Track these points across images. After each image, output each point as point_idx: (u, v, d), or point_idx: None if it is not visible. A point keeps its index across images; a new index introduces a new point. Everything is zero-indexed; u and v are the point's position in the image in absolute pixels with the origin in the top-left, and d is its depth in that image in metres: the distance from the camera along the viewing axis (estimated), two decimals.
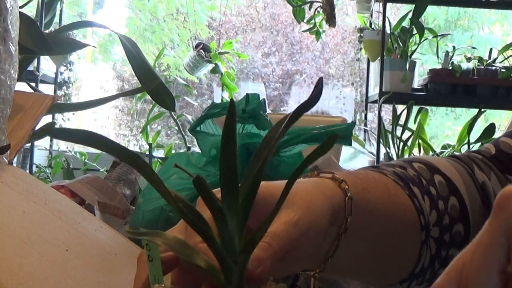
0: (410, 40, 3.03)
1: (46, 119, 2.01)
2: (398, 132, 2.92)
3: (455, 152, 0.65)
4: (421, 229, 0.57)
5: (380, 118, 3.02)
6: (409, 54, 3.00)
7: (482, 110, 2.92)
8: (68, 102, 3.20)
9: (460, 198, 0.60)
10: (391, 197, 0.56)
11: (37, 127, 0.89)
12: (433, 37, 3.14)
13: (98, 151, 3.52)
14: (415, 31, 2.99)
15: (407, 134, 2.92)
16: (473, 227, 0.60)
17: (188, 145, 2.24)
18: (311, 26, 3.19)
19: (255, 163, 0.42)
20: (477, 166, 0.64)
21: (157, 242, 0.41)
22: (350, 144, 0.81)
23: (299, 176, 0.42)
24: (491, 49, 3.19)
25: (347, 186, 0.52)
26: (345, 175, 0.53)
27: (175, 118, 2.20)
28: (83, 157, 2.89)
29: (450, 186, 0.61)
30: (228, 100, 3.04)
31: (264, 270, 0.43)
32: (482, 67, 3.06)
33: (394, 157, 2.89)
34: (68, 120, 3.19)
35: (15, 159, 0.85)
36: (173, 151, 2.56)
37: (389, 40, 3.06)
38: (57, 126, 3.00)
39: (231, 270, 0.40)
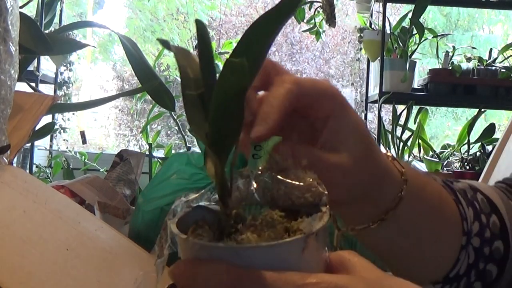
0: (410, 40, 3.03)
1: (46, 119, 2.01)
2: (398, 132, 2.92)
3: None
4: (463, 234, 0.58)
5: (380, 118, 3.02)
6: (409, 54, 3.00)
7: (482, 110, 2.92)
8: (68, 102, 3.19)
9: (500, 217, 0.62)
10: (442, 195, 0.58)
11: (38, 127, 0.89)
12: (433, 37, 3.14)
13: (98, 151, 3.51)
14: (415, 31, 2.99)
15: (407, 134, 2.93)
16: None
17: (188, 145, 2.24)
18: (311, 26, 3.19)
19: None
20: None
21: None
22: None
23: None
24: (491, 49, 3.19)
25: (403, 169, 0.53)
26: (404, 162, 0.55)
27: (175, 118, 2.19)
28: (83, 157, 2.88)
29: (491, 205, 0.62)
30: None
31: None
32: (482, 67, 3.06)
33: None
34: (68, 120, 3.19)
35: (15, 159, 0.85)
36: (173, 151, 2.56)
37: (389, 40, 3.06)
38: (57, 126, 3.00)
39: None
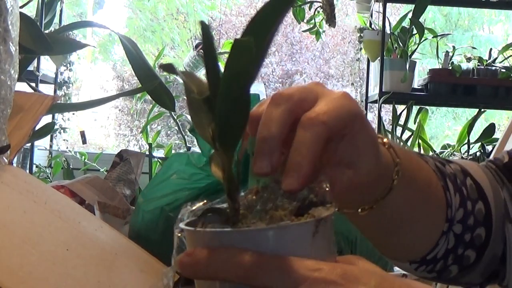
0: (410, 40, 3.03)
1: (46, 119, 2.01)
2: (398, 132, 2.92)
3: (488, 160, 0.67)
4: (446, 221, 0.59)
5: (380, 118, 3.02)
6: (409, 54, 3.00)
7: (482, 110, 2.92)
8: (68, 102, 3.19)
9: (487, 204, 0.62)
10: (432, 183, 0.58)
11: (38, 127, 0.89)
12: (433, 37, 3.14)
13: (98, 151, 3.51)
14: (415, 31, 2.99)
15: (407, 134, 2.92)
16: (493, 234, 0.62)
17: (188, 145, 2.24)
18: (311, 26, 3.19)
19: None
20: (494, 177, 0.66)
21: None
22: None
23: None
24: (491, 49, 3.19)
25: (398, 159, 0.53)
26: (399, 149, 0.54)
27: (175, 118, 2.20)
28: (83, 157, 2.88)
29: (479, 191, 0.63)
30: None
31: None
32: (482, 67, 3.06)
33: None
34: (68, 120, 3.19)
35: (15, 159, 0.85)
36: (173, 151, 2.56)
37: (389, 40, 3.06)
38: (57, 126, 3.00)
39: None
